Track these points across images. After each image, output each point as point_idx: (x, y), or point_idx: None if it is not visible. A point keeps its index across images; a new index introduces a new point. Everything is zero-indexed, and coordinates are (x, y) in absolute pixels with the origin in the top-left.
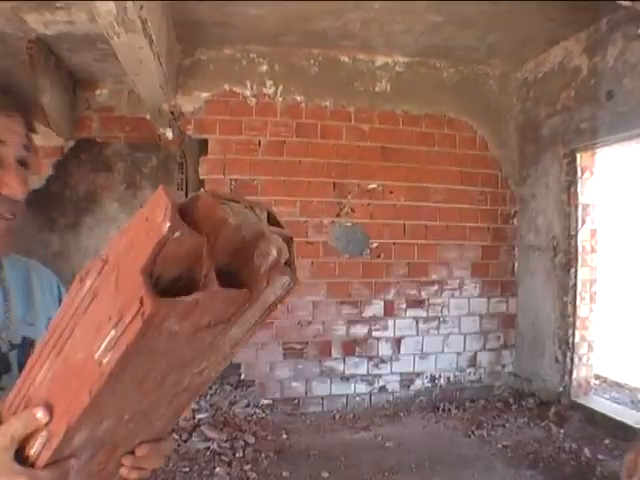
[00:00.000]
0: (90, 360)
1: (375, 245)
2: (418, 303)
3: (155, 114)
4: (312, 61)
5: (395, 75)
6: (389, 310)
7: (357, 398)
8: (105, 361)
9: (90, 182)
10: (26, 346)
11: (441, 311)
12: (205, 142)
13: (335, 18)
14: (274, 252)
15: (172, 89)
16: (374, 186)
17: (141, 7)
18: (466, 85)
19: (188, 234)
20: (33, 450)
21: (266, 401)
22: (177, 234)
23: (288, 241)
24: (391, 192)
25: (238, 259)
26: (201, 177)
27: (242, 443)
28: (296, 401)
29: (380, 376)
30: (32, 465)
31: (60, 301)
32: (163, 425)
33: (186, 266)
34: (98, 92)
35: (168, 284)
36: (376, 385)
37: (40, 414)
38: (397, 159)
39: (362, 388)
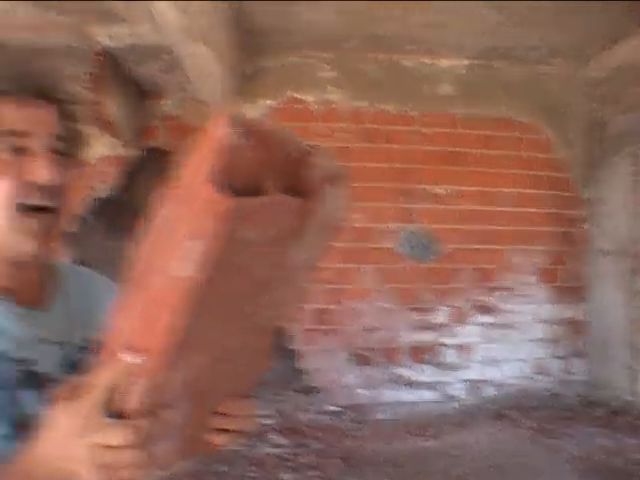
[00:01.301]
0: (170, 280)
1: (441, 250)
2: (486, 309)
3: None
4: (375, 66)
5: (458, 78)
6: (456, 316)
7: (423, 405)
8: (186, 274)
9: (156, 191)
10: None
11: (509, 317)
12: None
13: (398, 22)
14: (323, 163)
15: (237, 97)
16: (440, 190)
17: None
18: (529, 86)
19: (247, 144)
20: (126, 403)
21: (332, 407)
22: (239, 142)
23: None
24: (457, 196)
25: (290, 178)
26: None
27: (307, 449)
28: (362, 408)
29: (447, 383)
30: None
31: None
32: (242, 374)
33: (249, 180)
34: (163, 102)
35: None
36: (443, 392)
37: (128, 357)
38: (462, 163)
39: (429, 395)
